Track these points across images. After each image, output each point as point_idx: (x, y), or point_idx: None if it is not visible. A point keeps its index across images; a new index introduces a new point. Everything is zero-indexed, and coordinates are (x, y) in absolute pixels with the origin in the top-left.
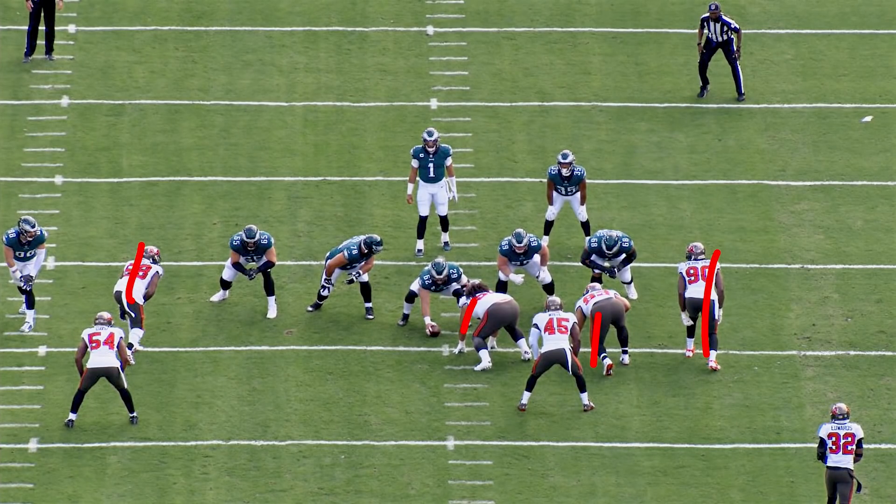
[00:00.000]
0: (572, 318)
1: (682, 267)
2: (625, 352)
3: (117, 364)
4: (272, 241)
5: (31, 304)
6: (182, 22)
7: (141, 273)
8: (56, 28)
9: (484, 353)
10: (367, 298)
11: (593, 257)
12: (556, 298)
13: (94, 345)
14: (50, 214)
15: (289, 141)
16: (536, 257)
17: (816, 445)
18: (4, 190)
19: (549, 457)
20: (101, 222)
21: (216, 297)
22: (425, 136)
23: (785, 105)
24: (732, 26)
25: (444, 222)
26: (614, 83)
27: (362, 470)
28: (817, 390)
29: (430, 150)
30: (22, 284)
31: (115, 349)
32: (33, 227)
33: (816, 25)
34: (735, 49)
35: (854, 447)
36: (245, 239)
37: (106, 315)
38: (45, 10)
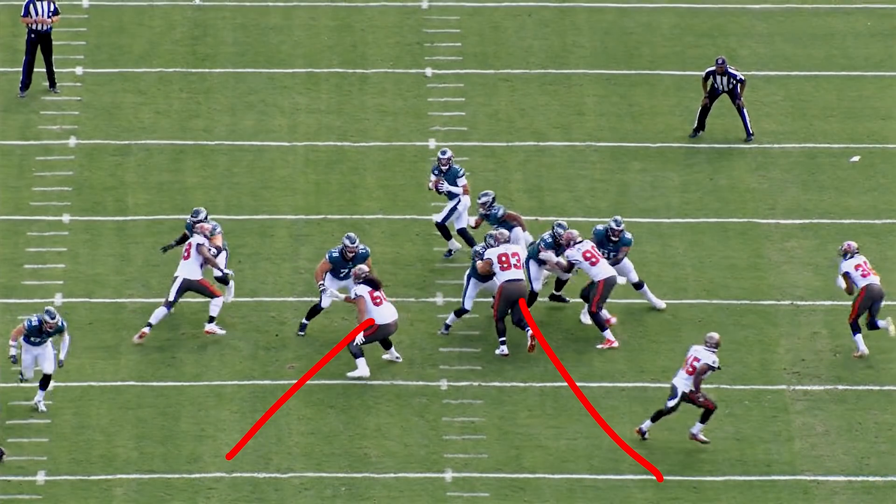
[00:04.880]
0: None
1: (849, 265)
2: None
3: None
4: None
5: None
6: (187, 64)
7: (185, 254)
8: (64, 70)
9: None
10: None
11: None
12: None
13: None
14: (58, 252)
15: (290, 180)
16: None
17: None
18: (13, 228)
19: (545, 489)
20: (108, 260)
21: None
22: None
23: (775, 145)
24: (738, 77)
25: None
26: (608, 123)
27: (362, 502)
28: (806, 424)
29: None
30: (22, 377)
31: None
32: (54, 318)
33: (805, 68)
34: (739, 95)
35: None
36: (191, 220)
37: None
38: (42, 46)
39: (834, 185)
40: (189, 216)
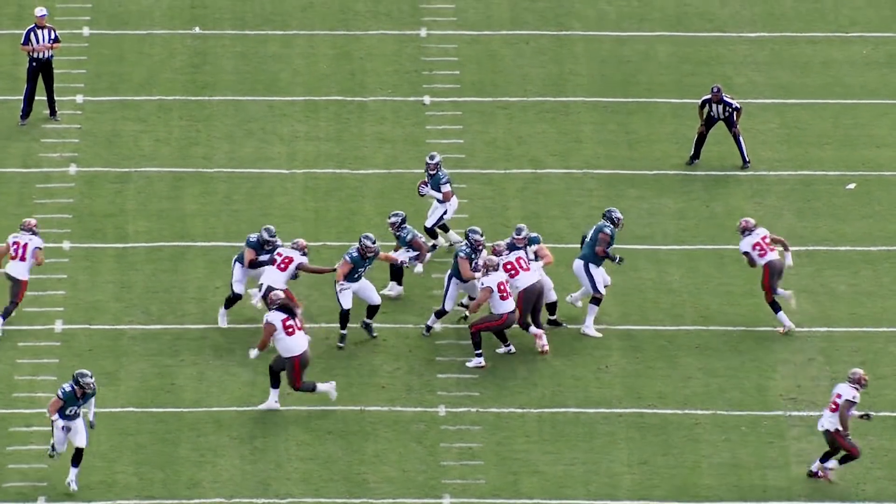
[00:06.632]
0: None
1: (746, 244)
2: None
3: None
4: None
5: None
6: (186, 92)
7: (281, 266)
8: (64, 98)
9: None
10: (371, 317)
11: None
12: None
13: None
14: (58, 279)
15: (289, 207)
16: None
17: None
18: None
19: None
20: (108, 286)
21: (222, 320)
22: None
23: (771, 172)
24: (734, 106)
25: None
26: (605, 151)
27: None
28: (802, 449)
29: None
30: (55, 451)
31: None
32: (91, 379)
33: (801, 95)
34: (735, 123)
35: None
36: (266, 238)
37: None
38: (43, 75)
39: (830, 213)
40: (261, 234)
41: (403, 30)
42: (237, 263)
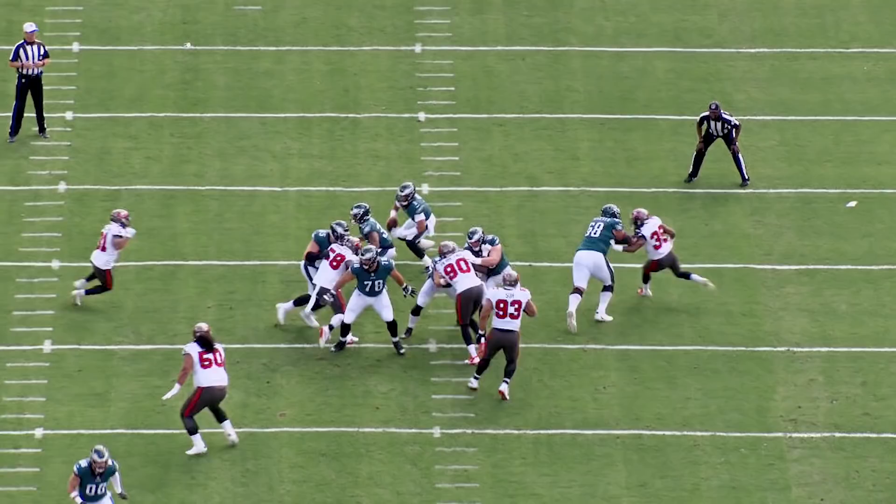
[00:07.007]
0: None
1: (647, 230)
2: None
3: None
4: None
5: None
6: (177, 109)
7: (332, 263)
8: (54, 115)
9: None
10: (394, 334)
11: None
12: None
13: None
14: (46, 298)
15: (282, 225)
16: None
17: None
18: (2, 274)
19: None
20: (98, 306)
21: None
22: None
23: (770, 190)
24: (733, 123)
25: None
26: (602, 168)
27: None
28: (803, 472)
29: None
30: None
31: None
32: (103, 456)
33: (801, 112)
34: (734, 140)
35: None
36: (340, 233)
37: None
38: (32, 91)
39: (830, 231)
40: (334, 228)
41: (398, 45)
42: (309, 268)
